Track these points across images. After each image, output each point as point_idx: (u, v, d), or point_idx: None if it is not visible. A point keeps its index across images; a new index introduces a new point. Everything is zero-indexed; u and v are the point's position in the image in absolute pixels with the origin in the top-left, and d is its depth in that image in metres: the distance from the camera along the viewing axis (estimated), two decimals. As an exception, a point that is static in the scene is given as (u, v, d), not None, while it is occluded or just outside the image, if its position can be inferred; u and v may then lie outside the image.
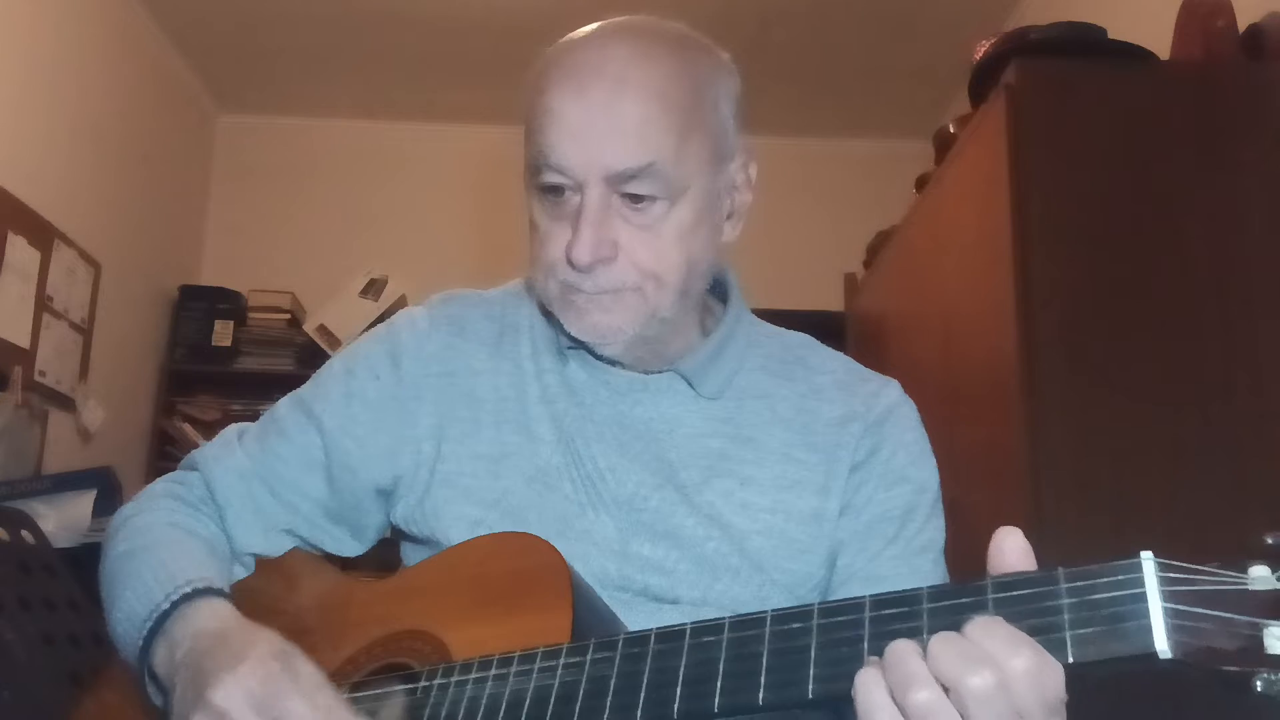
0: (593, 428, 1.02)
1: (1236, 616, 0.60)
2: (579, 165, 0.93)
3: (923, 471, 1.04)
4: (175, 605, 0.91)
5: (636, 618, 0.93)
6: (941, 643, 0.64)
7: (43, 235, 3.29)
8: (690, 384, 1.04)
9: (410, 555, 1.07)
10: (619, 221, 0.94)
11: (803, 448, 1.03)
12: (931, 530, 1.03)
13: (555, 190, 0.95)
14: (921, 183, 2.87)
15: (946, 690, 0.63)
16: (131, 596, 0.95)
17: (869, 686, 0.65)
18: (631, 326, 0.97)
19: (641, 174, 0.93)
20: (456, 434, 1.04)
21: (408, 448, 1.05)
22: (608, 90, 0.93)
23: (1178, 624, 0.61)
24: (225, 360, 4.16)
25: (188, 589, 0.92)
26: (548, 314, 1.06)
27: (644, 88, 0.93)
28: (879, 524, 1.01)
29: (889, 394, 1.06)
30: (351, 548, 1.11)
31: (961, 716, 0.62)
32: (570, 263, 0.94)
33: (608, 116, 0.92)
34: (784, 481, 1.01)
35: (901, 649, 0.65)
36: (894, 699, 0.64)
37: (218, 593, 0.94)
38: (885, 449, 1.03)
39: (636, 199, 0.94)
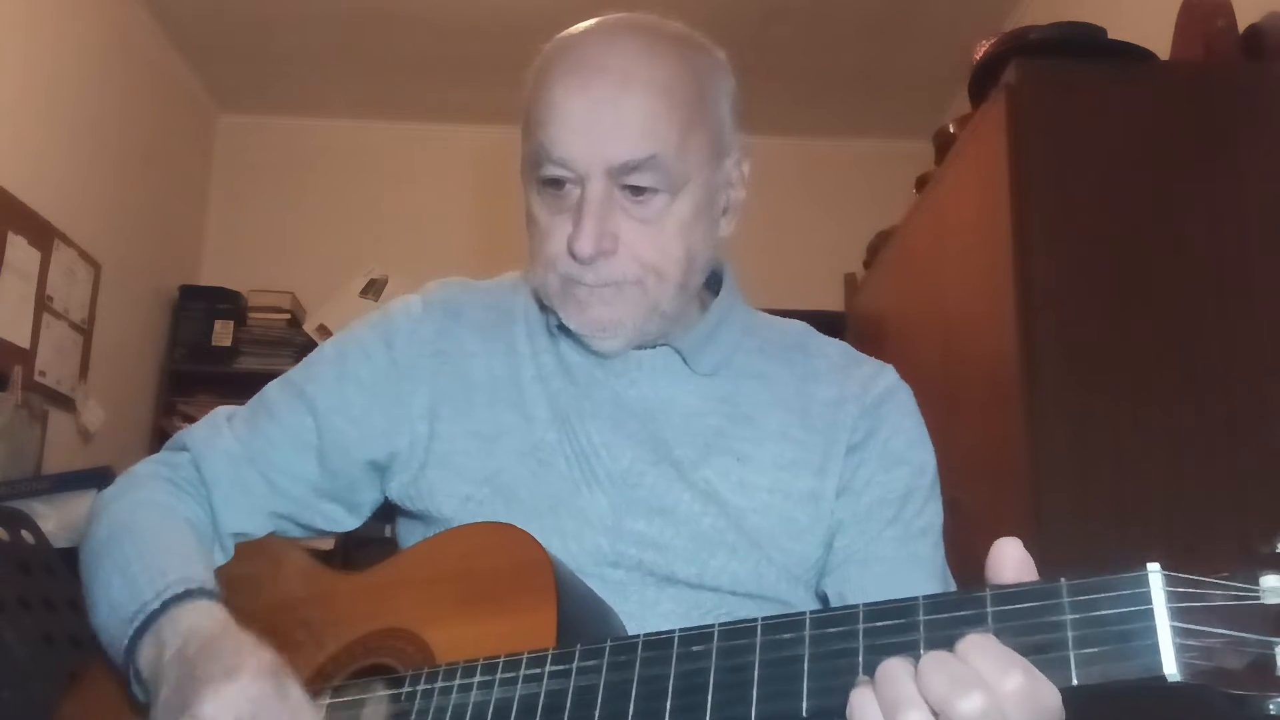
0: (588, 405, 1.02)
1: (1247, 635, 0.58)
2: (581, 158, 0.93)
3: (921, 454, 1.04)
4: (165, 605, 0.90)
5: (630, 605, 0.92)
6: (931, 663, 0.62)
7: (43, 235, 3.28)
8: (685, 360, 1.04)
9: (406, 531, 1.08)
10: (620, 215, 0.95)
11: (800, 428, 1.03)
12: (930, 513, 1.03)
13: (556, 184, 0.96)
14: (921, 183, 2.87)
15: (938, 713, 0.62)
16: (117, 588, 0.94)
17: (863, 707, 0.64)
18: (632, 319, 0.97)
19: (644, 166, 0.93)
20: (449, 413, 1.04)
21: (402, 427, 1.05)
22: (612, 85, 0.94)
23: (1186, 644, 0.58)
24: (225, 360, 4.16)
25: (179, 589, 0.91)
26: (543, 304, 1.07)
27: (648, 82, 0.94)
28: (878, 506, 1.01)
29: (885, 377, 1.06)
30: (347, 523, 1.10)
31: None
32: (572, 255, 0.94)
33: (612, 110, 0.93)
34: (781, 461, 1.01)
35: (892, 669, 0.64)
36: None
37: (209, 594, 0.93)
38: (883, 431, 1.03)
39: (638, 191, 0.94)
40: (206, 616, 0.90)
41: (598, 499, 0.99)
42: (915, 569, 0.98)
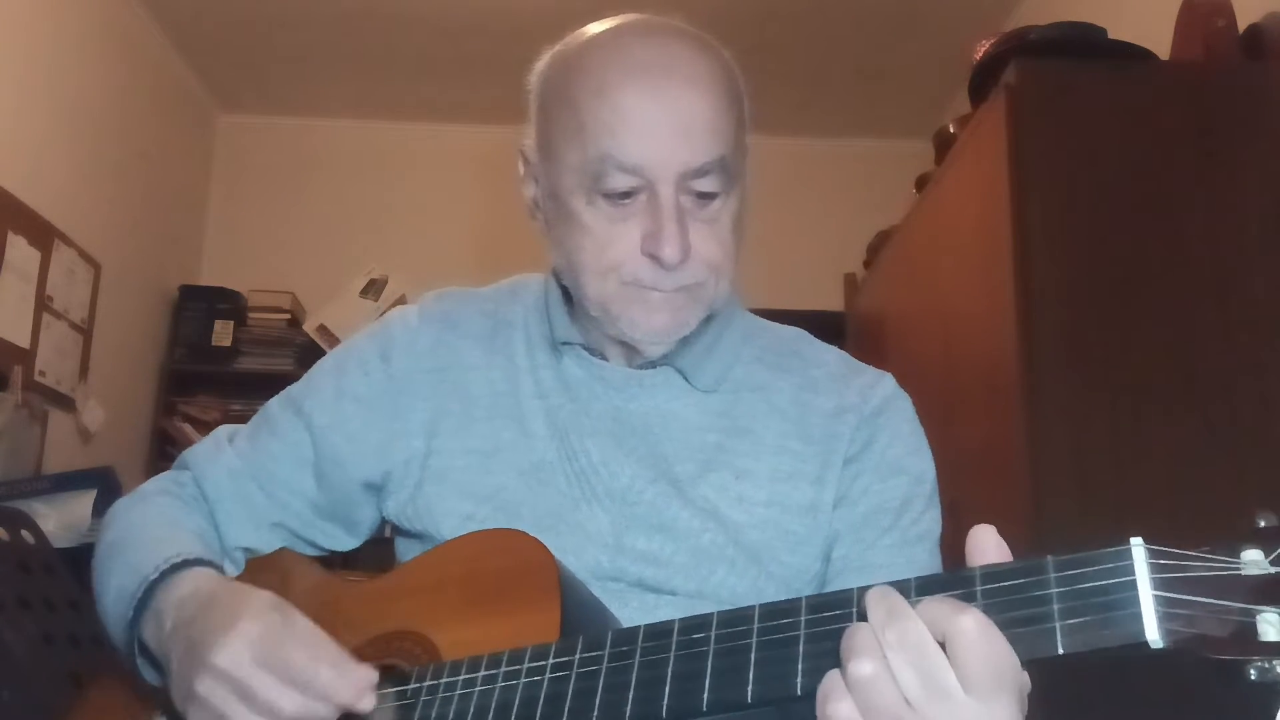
0: (587, 422, 1.02)
1: (1229, 603, 0.59)
2: (655, 164, 0.91)
3: (920, 462, 1.04)
4: (163, 575, 0.92)
5: (630, 611, 0.93)
6: (880, 610, 0.65)
7: (43, 235, 3.29)
8: (686, 377, 1.04)
9: (404, 550, 1.08)
10: (688, 218, 0.94)
11: (798, 439, 1.02)
12: (928, 521, 1.02)
13: (623, 193, 0.93)
14: (921, 183, 2.87)
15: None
16: (121, 573, 0.96)
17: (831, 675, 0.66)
18: (694, 320, 0.98)
19: (712, 169, 0.93)
20: (448, 428, 1.04)
21: (398, 443, 1.05)
22: (681, 87, 0.92)
23: (1168, 612, 0.60)
24: (225, 360, 4.16)
25: (176, 559, 0.93)
26: (541, 312, 1.07)
27: (710, 81, 0.94)
28: (875, 515, 1.00)
29: (884, 386, 1.06)
30: (345, 542, 1.11)
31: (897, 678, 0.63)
32: (660, 261, 0.92)
33: (686, 113, 0.92)
34: (779, 474, 1.01)
35: (853, 627, 0.66)
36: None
37: (206, 563, 0.94)
38: (881, 441, 1.03)
39: (703, 194, 0.94)
40: (202, 580, 0.91)
41: (597, 516, 0.99)
42: (911, 575, 0.98)
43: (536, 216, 1.04)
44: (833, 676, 0.65)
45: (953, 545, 1.04)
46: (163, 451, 3.96)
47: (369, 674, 0.81)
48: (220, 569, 0.96)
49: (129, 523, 1.03)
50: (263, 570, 1.07)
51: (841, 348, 1.12)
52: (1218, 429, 1.90)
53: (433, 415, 1.05)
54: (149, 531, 1.00)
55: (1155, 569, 0.61)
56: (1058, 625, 0.62)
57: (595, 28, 1.00)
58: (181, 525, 1.03)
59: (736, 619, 0.73)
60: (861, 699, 0.63)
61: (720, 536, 0.98)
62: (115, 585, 0.96)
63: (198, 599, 0.87)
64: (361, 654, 0.92)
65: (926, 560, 1.00)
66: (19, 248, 3.15)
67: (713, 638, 0.73)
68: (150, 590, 0.92)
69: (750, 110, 1.01)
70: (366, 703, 0.80)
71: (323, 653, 0.81)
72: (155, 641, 0.90)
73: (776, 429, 1.03)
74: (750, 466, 1.01)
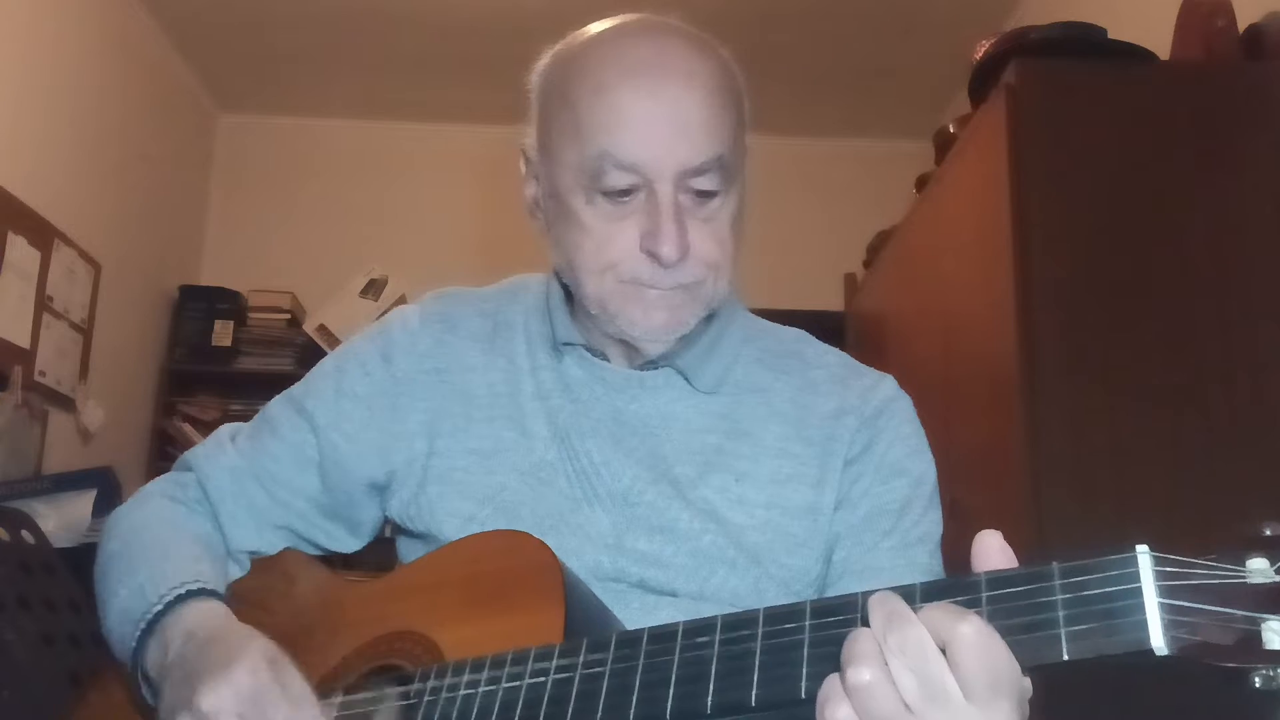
0: (588, 423, 1.02)
1: (1234, 611, 0.59)
2: (652, 162, 0.92)
3: (920, 464, 1.04)
4: (169, 606, 0.92)
5: (631, 612, 0.93)
6: (881, 619, 0.65)
7: (43, 235, 3.28)
8: (686, 379, 1.04)
9: (406, 550, 1.08)
10: (686, 216, 0.94)
11: (798, 441, 1.02)
12: (928, 523, 1.02)
13: (621, 191, 0.93)
14: (921, 183, 2.87)
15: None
16: (125, 595, 0.96)
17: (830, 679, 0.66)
18: (693, 319, 0.98)
19: (710, 168, 0.93)
20: (448, 429, 1.04)
21: (399, 444, 1.05)
22: (679, 86, 0.92)
23: (1174, 619, 0.60)
24: (225, 360, 4.16)
25: (181, 590, 0.93)
26: (541, 312, 1.07)
27: (708, 80, 0.94)
28: (875, 517, 1.00)
29: (884, 388, 1.06)
30: (348, 543, 1.11)
31: (896, 683, 0.63)
32: (657, 260, 0.93)
33: (684, 112, 0.92)
34: (779, 476, 1.01)
35: (854, 633, 0.66)
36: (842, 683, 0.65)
37: (212, 593, 0.94)
38: (881, 443, 1.03)
39: (701, 193, 0.94)
40: (208, 615, 0.91)
41: (599, 517, 0.99)
42: (912, 578, 0.98)
43: (537, 215, 1.04)
44: (832, 681, 0.65)
45: (954, 546, 1.04)
46: (163, 451, 3.96)
47: None
48: (223, 597, 0.96)
49: (131, 530, 1.03)
50: (266, 570, 1.07)
51: (841, 348, 1.12)
52: (1218, 429, 1.90)
53: (433, 416, 1.05)
54: (153, 545, 0.99)
55: (1160, 576, 0.61)
56: (1063, 632, 0.62)
57: (595, 27, 1.00)
58: (188, 533, 1.02)
59: (741, 622, 0.73)
60: (859, 704, 0.63)
61: (721, 538, 0.98)
62: (119, 605, 0.96)
63: (199, 638, 0.88)
64: (364, 654, 0.93)
65: (927, 562, 1.00)
66: (19, 248, 3.15)
67: (717, 641, 0.73)
68: (155, 619, 0.92)
69: (750, 110, 1.01)
70: None
71: (303, 715, 0.81)
72: (156, 668, 0.90)
73: (776, 431, 1.03)
74: (750, 469, 1.01)
